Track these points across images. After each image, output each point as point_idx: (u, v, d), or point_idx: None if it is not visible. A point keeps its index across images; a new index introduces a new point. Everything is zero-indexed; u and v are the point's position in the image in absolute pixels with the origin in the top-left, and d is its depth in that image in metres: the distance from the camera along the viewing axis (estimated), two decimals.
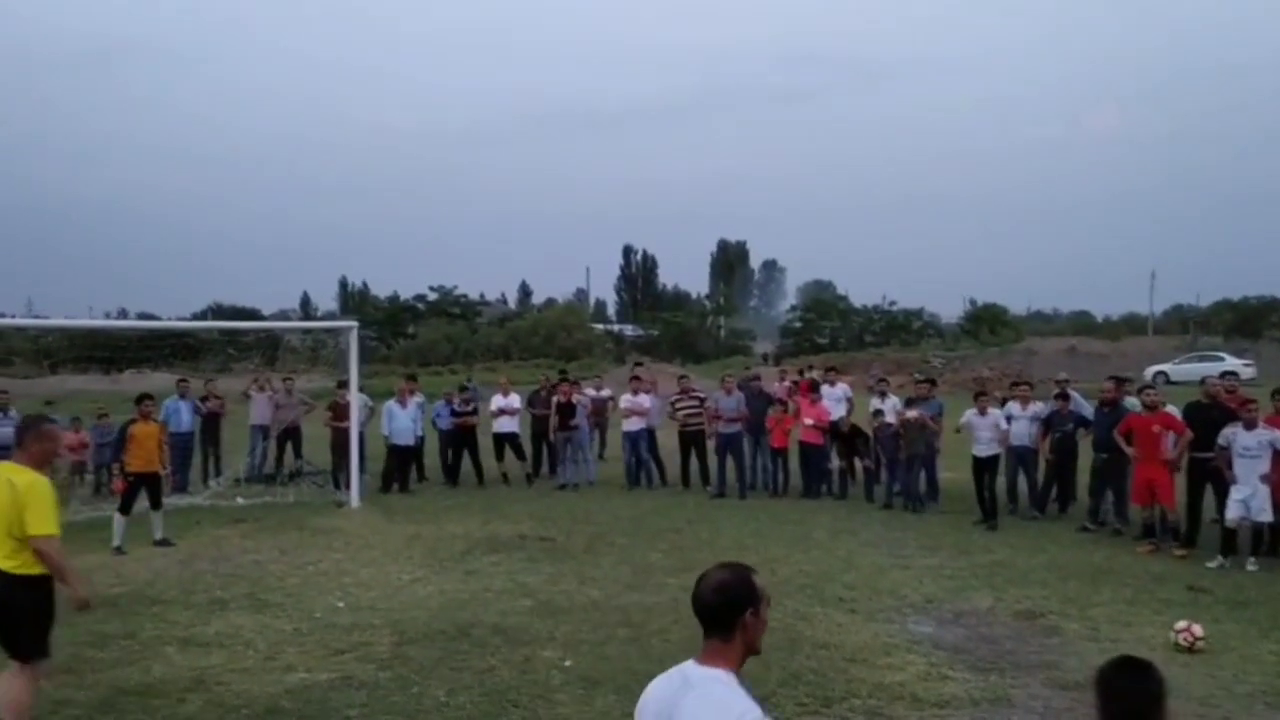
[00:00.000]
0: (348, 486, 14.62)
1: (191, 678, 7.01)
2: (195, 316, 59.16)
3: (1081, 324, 71.35)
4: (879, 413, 14.71)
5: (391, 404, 16.16)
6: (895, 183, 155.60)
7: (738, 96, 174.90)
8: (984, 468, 13.05)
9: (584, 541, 11.80)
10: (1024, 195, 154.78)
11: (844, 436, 15.20)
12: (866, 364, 45.35)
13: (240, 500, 15.07)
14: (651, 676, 6.83)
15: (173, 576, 10.14)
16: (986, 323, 57.65)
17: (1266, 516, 10.28)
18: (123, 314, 61.71)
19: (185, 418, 16.27)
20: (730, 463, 15.53)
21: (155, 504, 11.89)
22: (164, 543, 11.63)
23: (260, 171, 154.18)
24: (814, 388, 15.71)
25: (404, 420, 15.92)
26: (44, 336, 53.37)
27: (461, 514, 13.68)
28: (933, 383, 16.23)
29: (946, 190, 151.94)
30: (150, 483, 11.88)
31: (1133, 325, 66.65)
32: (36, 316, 43.54)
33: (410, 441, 16.03)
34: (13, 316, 33.51)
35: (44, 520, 5.36)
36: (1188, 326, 60.67)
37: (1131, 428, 11.68)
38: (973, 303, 64.58)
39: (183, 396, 16.47)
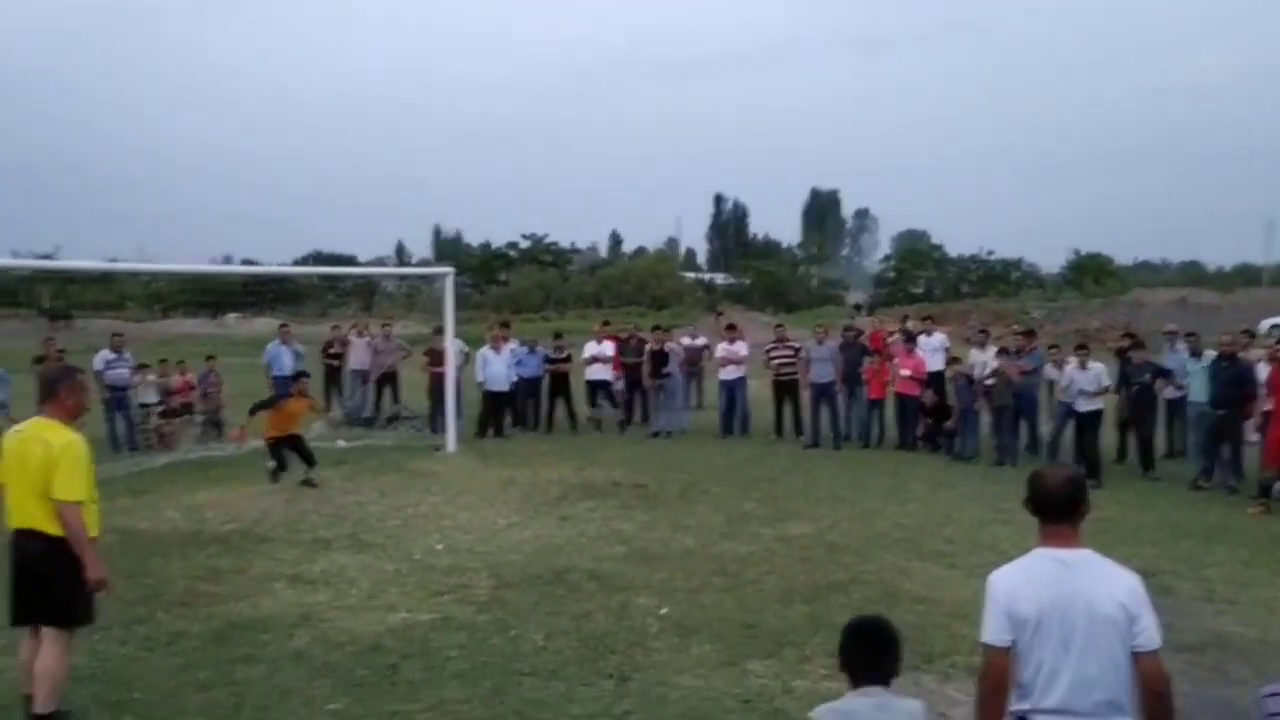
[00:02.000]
0: (444, 431, 14.84)
1: (299, 614, 7.22)
2: (296, 263, 60.49)
3: (1192, 275, 68.44)
4: (954, 360, 14.50)
5: (486, 350, 16.30)
6: (994, 130, 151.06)
7: (832, 42, 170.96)
8: (1084, 423, 12.64)
9: (678, 489, 11.80)
10: (1132, 142, 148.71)
11: (929, 410, 14.80)
12: (963, 315, 44.29)
13: (341, 443, 15.43)
14: (747, 625, 6.88)
15: (279, 516, 10.44)
16: (1090, 273, 55.76)
17: None
18: (228, 260, 63.46)
19: (287, 362, 16.69)
20: (825, 413, 15.36)
21: (309, 460, 12.09)
22: (308, 483, 11.82)
23: (358, 124, 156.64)
24: (911, 338, 15.38)
25: (498, 366, 16.08)
26: (155, 281, 55.59)
27: (555, 460, 13.79)
28: (1031, 334, 15.71)
29: (1049, 138, 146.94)
30: (293, 443, 12.12)
31: (1246, 276, 63.74)
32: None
33: (505, 387, 16.19)
34: (126, 262, 34.57)
35: (71, 485, 5.07)
36: None
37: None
38: (1076, 252, 62.52)
39: (284, 342, 16.88)
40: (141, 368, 15.87)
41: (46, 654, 5.11)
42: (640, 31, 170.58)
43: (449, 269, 15.93)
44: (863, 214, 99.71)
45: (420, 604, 7.53)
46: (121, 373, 15.45)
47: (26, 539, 5.12)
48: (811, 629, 6.92)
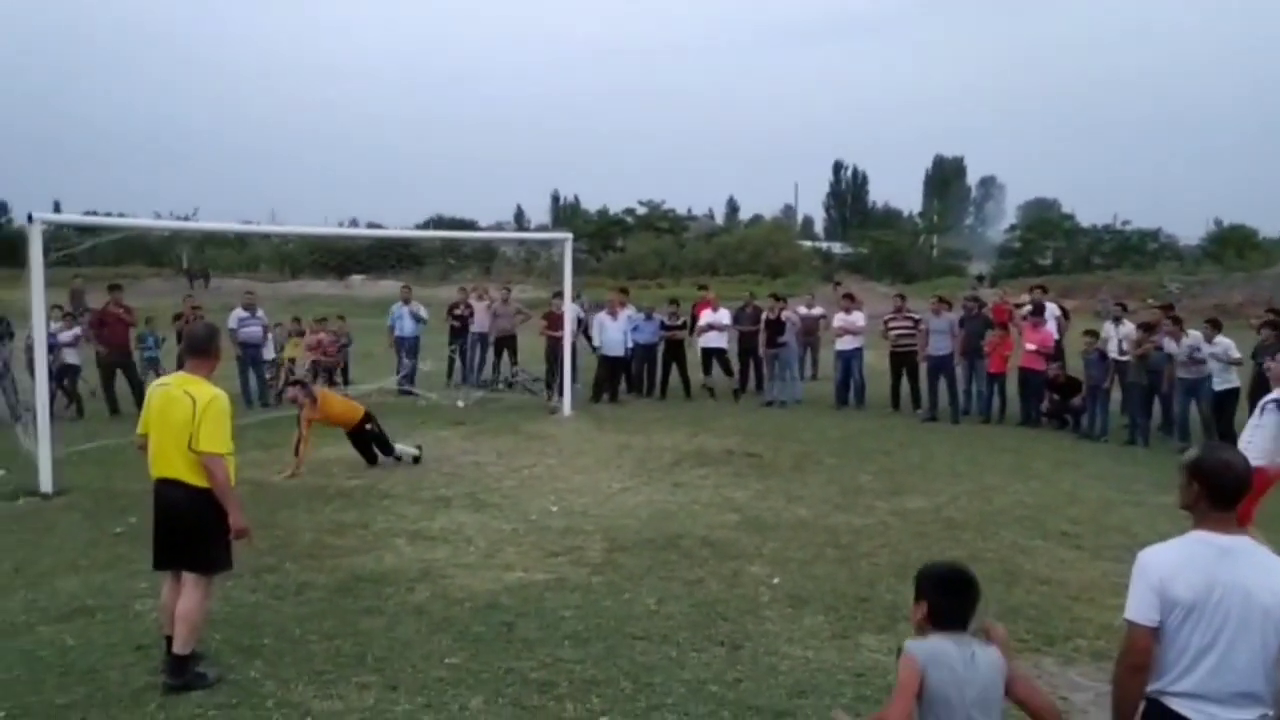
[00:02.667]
0: (560, 394, 15.02)
1: (419, 569, 7.43)
2: (418, 228, 61.85)
3: None
4: (1090, 334, 13.93)
5: (603, 315, 16.46)
6: (1129, 96, 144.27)
7: (956, 4, 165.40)
8: (1222, 401, 12.08)
9: (791, 459, 11.71)
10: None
11: (1056, 385, 14.29)
12: (1094, 287, 42.61)
13: (460, 403, 15.78)
14: (861, 599, 6.80)
15: (401, 474, 10.75)
16: (1232, 245, 52.88)
17: None
18: (354, 223, 65.24)
19: (408, 324, 17.12)
20: (942, 387, 15.02)
21: (383, 450, 11.37)
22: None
23: (479, 89, 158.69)
24: (1038, 310, 14.88)
25: (614, 332, 16.20)
26: (286, 243, 57.57)
27: (669, 427, 13.83)
28: (1169, 308, 15.01)
29: (1188, 103, 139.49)
30: (360, 433, 11.42)
31: None
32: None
33: (621, 353, 16.30)
34: (259, 224, 35.83)
35: (216, 438, 5.26)
36: None
37: None
38: (1217, 223, 59.36)
39: (406, 302, 17.30)
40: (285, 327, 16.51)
41: (187, 598, 5.35)
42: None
43: (568, 234, 16.07)
44: (988, 181, 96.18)
45: (536, 564, 7.67)
46: (254, 330, 16.08)
47: (169, 488, 5.37)
48: None
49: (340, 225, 56.64)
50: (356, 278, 51.82)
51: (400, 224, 66.02)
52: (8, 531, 8.41)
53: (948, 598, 3.32)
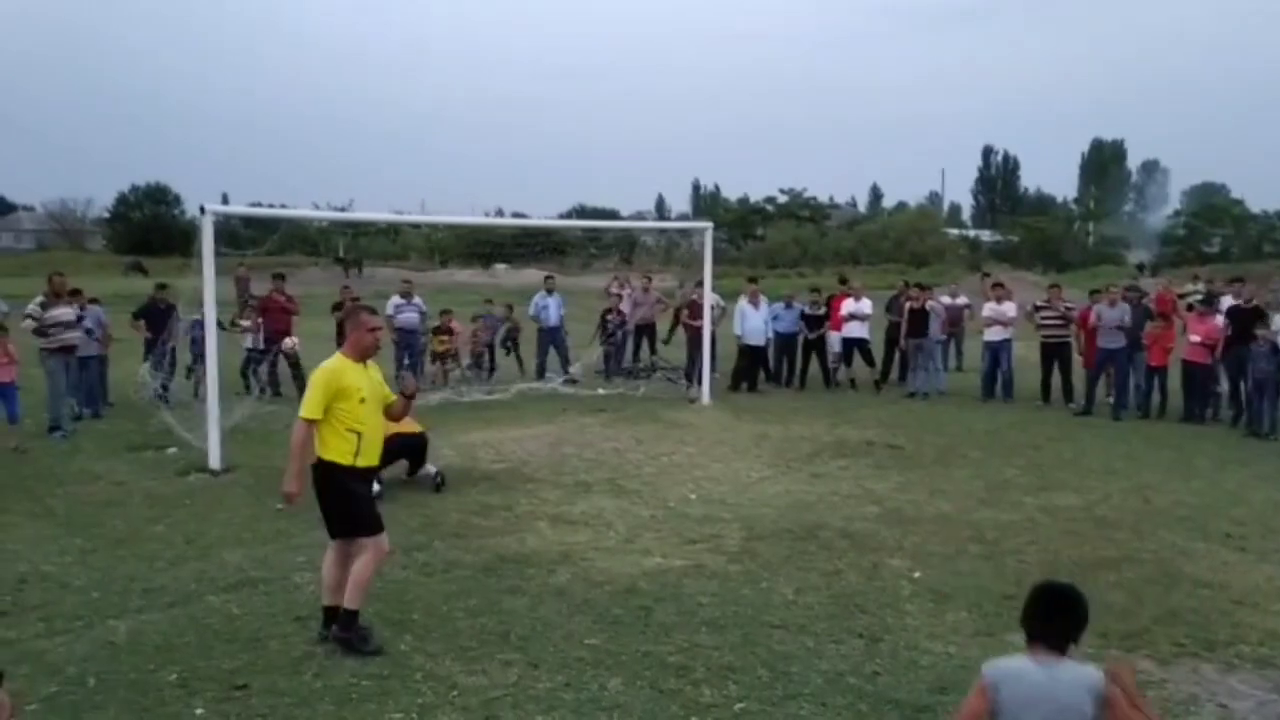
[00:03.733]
0: (699, 383, 15.06)
1: (560, 552, 7.59)
2: (561, 217, 62.79)
3: None
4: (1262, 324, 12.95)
5: (744, 304, 16.35)
6: None
7: None
8: None
9: (934, 452, 11.47)
10: None
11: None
12: (1265, 276, 40.11)
13: (601, 390, 16.01)
14: (1006, 596, 6.69)
15: (543, 458, 10.98)
16: None
17: None
18: (499, 213, 66.72)
19: (553, 313, 17.41)
20: (1103, 380, 14.42)
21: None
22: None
23: (623, 81, 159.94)
24: (1208, 301, 14.10)
25: (756, 320, 16.14)
26: (435, 233, 59.38)
27: (808, 417, 13.71)
28: None
29: None
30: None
31: None
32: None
33: (761, 342, 16.23)
34: (410, 214, 36.96)
35: (306, 403, 5.65)
36: None
37: None
38: None
39: (550, 292, 17.62)
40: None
41: (357, 561, 5.72)
42: None
43: (708, 224, 16.02)
44: (1151, 166, 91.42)
45: (674, 550, 7.74)
46: (410, 316, 16.69)
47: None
48: None
49: (486, 215, 57.97)
50: (500, 266, 52.97)
51: (544, 214, 67.45)
52: (180, 506, 8.97)
53: (1035, 619, 3.32)
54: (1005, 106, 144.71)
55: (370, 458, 5.80)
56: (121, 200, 70.27)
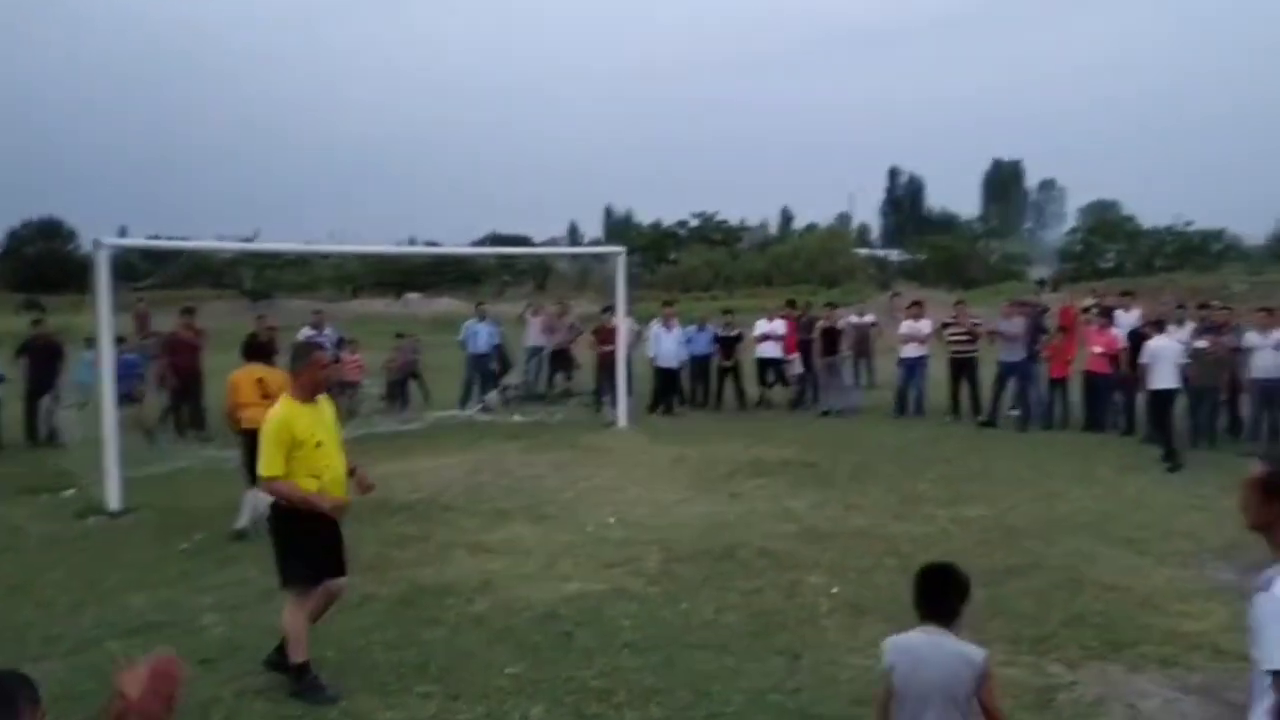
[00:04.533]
0: (615, 408, 15.07)
1: (480, 580, 7.50)
2: (474, 245, 62.32)
3: None
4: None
5: (658, 327, 16.44)
6: (1194, 95, 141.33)
7: (1009, 8, 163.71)
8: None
9: (848, 469, 11.63)
10: None
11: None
12: (1156, 290, 41.76)
13: (517, 418, 15.91)
14: None
15: (460, 487, 10.86)
16: None
17: None
18: (411, 242, 65.98)
19: (483, 339, 17.30)
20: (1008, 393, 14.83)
21: None
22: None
23: (533, 104, 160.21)
24: (1106, 313, 14.61)
25: (670, 343, 16.22)
26: (346, 263, 58.45)
27: (725, 438, 13.81)
28: (1227, 310, 14.44)
29: (1252, 99, 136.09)
30: None
31: None
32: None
33: (675, 364, 16.32)
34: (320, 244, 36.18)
35: (263, 460, 5.42)
36: None
37: None
38: None
39: (482, 319, 17.50)
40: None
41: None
42: (813, 5, 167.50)
43: (620, 248, 16.12)
44: (1048, 185, 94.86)
45: (594, 574, 7.71)
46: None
47: None
48: (989, 613, 6.68)
49: (398, 244, 57.20)
50: (413, 296, 52.45)
51: (457, 242, 66.85)
52: (78, 550, 8.64)
53: (921, 598, 3.57)
54: (910, 128, 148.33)
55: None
56: (12, 236, 67.77)
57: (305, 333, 16.21)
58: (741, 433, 14.22)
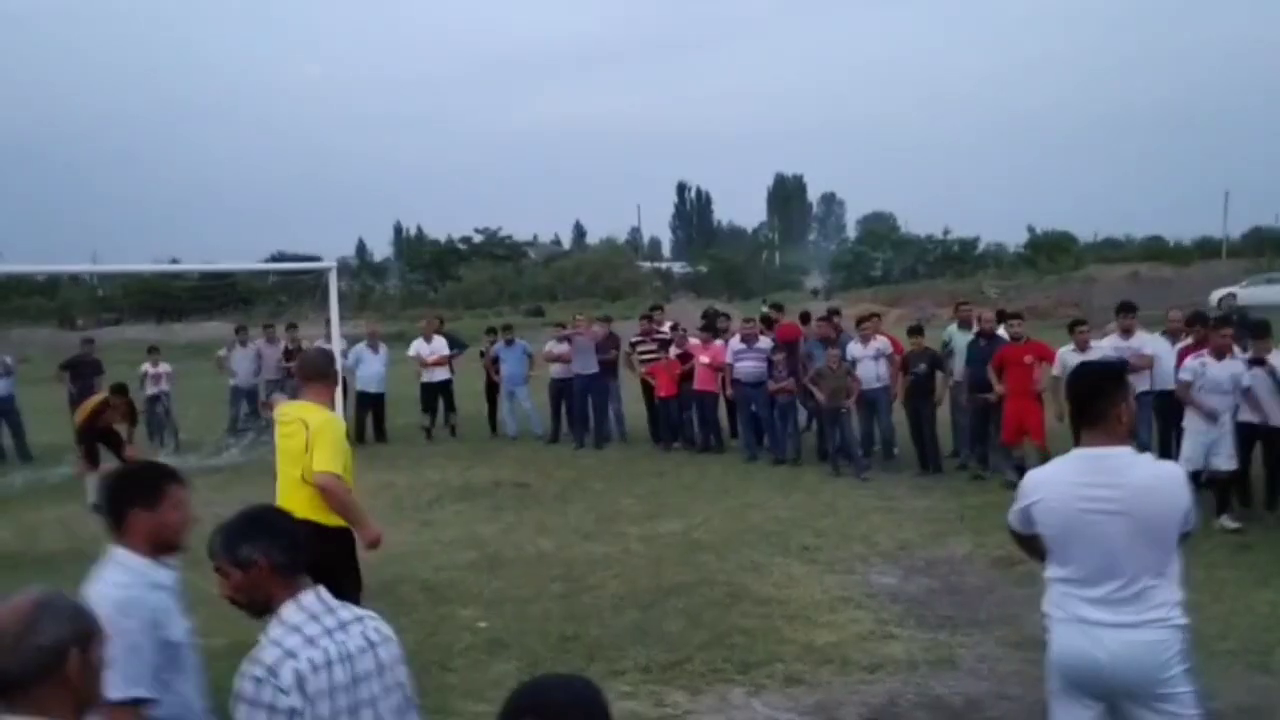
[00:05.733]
0: None
1: None
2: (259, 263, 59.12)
3: (1153, 250, 67.98)
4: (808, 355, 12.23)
5: (361, 348, 15.16)
6: (958, 111, 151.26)
7: (797, 17, 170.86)
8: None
9: (558, 487, 11.28)
10: (1095, 117, 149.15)
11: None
12: (918, 295, 44.00)
13: (235, 451, 14.70)
14: (566, 637, 6.32)
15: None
16: (1046, 250, 55.53)
17: (1227, 464, 8.47)
18: (173, 262, 62.05)
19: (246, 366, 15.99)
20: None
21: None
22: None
23: (320, 117, 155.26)
24: (710, 325, 13.87)
25: (376, 366, 14.95)
26: (98, 286, 54.41)
27: (444, 459, 13.23)
28: (920, 330, 12.79)
29: (1014, 115, 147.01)
30: None
31: (1207, 250, 63.44)
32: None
33: (380, 389, 15.00)
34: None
35: (330, 458, 5.02)
36: (1265, 249, 57.71)
37: (1004, 360, 10.46)
38: (1031, 230, 62.21)
39: (243, 344, 16.15)
40: None
41: None
42: (603, 17, 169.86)
43: (331, 264, 15.14)
44: (829, 198, 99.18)
45: (225, 626, 6.90)
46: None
47: None
48: (634, 638, 6.40)
49: (158, 263, 53.60)
50: (178, 325, 49.46)
51: (241, 261, 63.20)
52: None
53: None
54: (698, 142, 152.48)
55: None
56: None
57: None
58: (465, 455, 13.64)
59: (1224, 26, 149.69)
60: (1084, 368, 3.66)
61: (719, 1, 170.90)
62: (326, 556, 4.84)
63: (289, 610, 2.61)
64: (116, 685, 2.55)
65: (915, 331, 12.23)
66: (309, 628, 2.59)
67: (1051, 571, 3.41)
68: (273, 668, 2.47)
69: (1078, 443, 3.39)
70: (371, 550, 5.45)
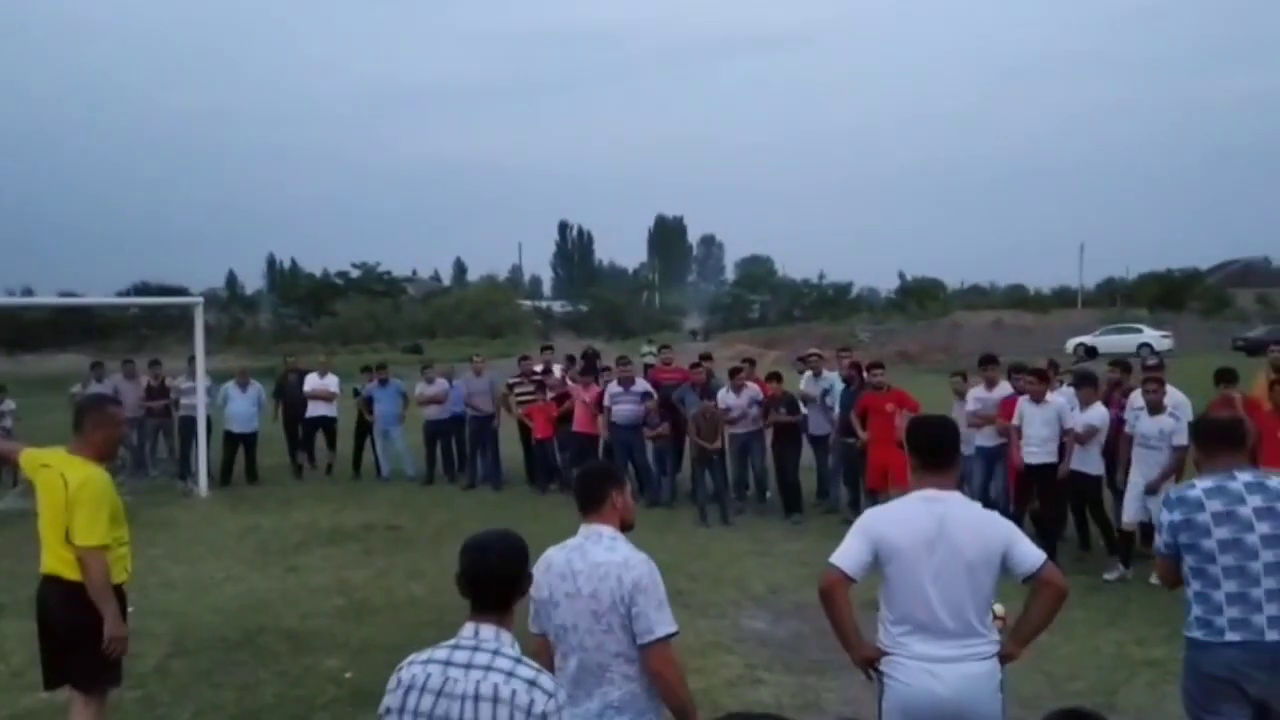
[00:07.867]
0: (193, 474, 13.68)
1: None
2: (120, 294, 56.69)
3: (1015, 298, 71.35)
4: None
5: (230, 386, 14.64)
6: (831, 155, 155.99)
7: (682, 60, 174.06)
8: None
9: (433, 530, 11.10)
10: (964, 170, 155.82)
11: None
12: (793, 338, 45.04)
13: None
14: None
15: None
16: (916, 296, 57.62)
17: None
18: (28, 293, 59.06)
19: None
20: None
21: None
22: None
23: (191, 146, 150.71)
24: (589, 364, 13.90)
25: (244, 404, 14.44)
26: None
27: (315, 502, 12.87)
28: (778, 376, 12.76)
29: (887, 166, 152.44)
30: None
31: (1065, 299, 66.97)
32: None
33: (250, 428, 14.47)
34: None
35: (90, 527, 4.55)
36: (1116, 299, 61.22)
37: (866, 408, 10.90)
38: (901, 276, 64.58)
39: (99, 380, 15.17)
40: None
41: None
42: (487, 55, 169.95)
43: (198, 299, 14.73)
44: (709, 240, 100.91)
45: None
46: None
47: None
48: None
49: (10, 294, 50.94)
50: (29, 356, 46.95)
51: (102, 293, 60.47)
52: None
53: None
54: (580, 181, 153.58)
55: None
56: None
57: None
58: (336, 495, 13.30)
59: (1078, 90, 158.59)
60: (926, 419, 4.05)
61: (603, 48, 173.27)
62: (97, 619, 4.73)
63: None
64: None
65: (774, 377, 12.40)
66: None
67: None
68: None
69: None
70: (112, 643, 4.93)
